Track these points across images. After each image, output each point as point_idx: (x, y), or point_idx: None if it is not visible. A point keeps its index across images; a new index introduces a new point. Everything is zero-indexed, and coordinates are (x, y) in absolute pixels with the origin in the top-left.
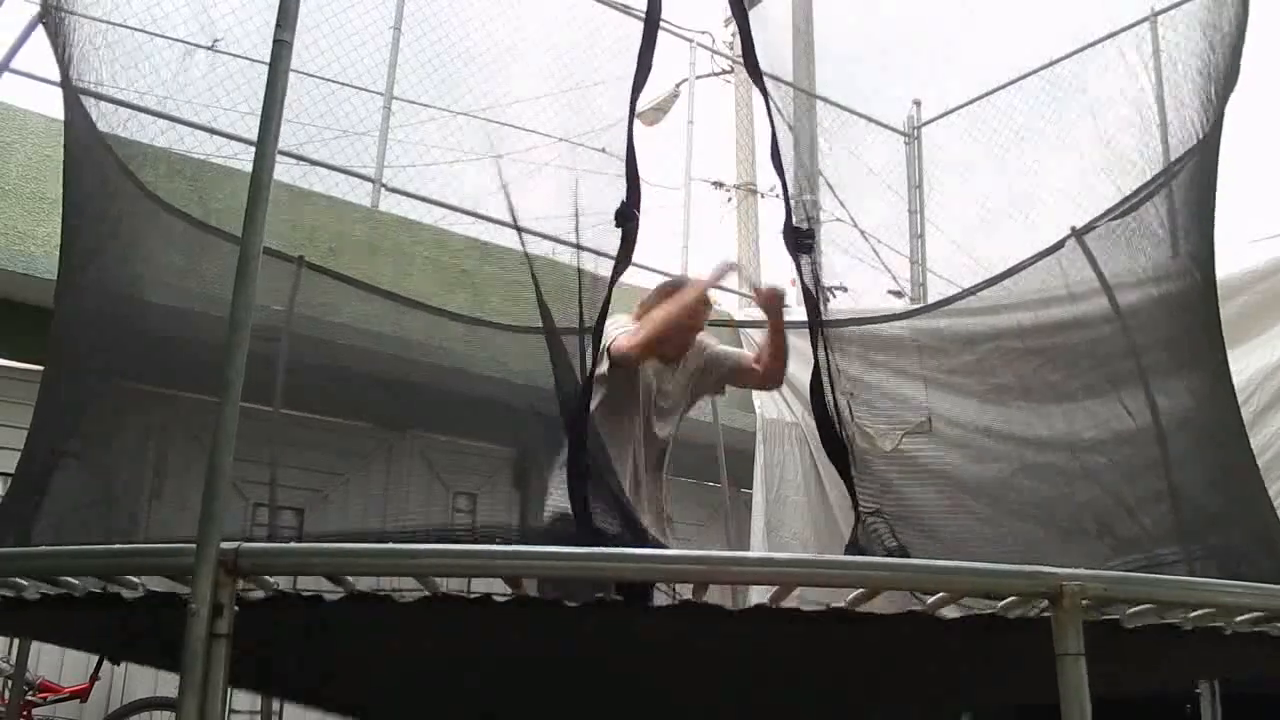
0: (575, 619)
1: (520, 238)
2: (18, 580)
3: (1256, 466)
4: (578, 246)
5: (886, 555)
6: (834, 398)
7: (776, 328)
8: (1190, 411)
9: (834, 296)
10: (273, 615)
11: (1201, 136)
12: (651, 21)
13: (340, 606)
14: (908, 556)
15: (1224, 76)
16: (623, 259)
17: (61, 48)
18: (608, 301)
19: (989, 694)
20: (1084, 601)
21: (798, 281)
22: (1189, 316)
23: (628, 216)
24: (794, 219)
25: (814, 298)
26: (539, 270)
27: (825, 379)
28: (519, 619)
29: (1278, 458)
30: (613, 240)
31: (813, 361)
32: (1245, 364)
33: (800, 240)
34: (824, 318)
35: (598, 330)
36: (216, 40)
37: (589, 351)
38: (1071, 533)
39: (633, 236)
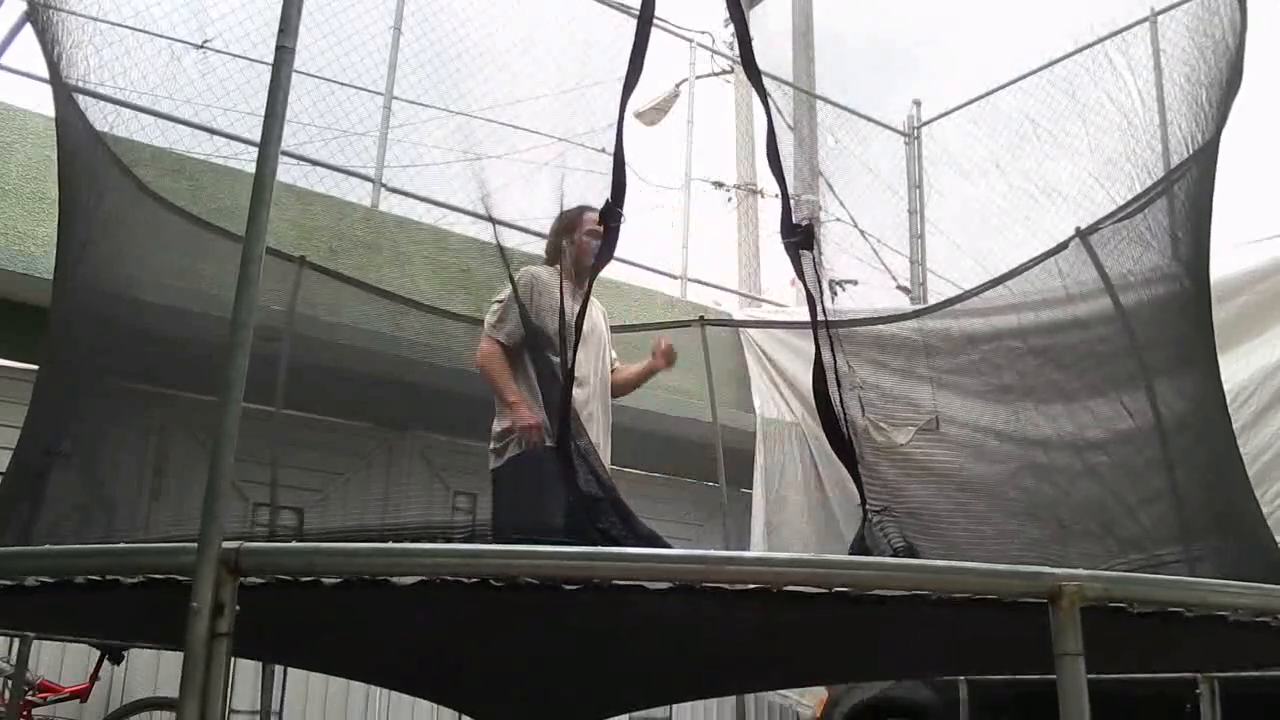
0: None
1: (495, 230)
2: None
3: (1244, 467)
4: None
5: (893, 554)
6: (840, 395)
7: (648, 374)
8: (1191, 412)
9: (843, 290)
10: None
11: (1204, 140)
12: (644, 22)
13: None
14: (915, 555)
15: (1225, 81)
16: (604, 255)
17: (50, 45)
18: (588, 295)
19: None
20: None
21: (798, 281)
22: (1189, 317)
23: (612, 214)
24: (793, 217)
25: (815, 296)
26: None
27: (831, 377)
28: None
29: (1278, 458)
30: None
31: (814, 361)
32: (1245, 364)
33: (800, 237)
34: (828, 317)
35: (579, 322)
36: (207, 40)
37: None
38: (1073, 533)
39: (615, 233)
